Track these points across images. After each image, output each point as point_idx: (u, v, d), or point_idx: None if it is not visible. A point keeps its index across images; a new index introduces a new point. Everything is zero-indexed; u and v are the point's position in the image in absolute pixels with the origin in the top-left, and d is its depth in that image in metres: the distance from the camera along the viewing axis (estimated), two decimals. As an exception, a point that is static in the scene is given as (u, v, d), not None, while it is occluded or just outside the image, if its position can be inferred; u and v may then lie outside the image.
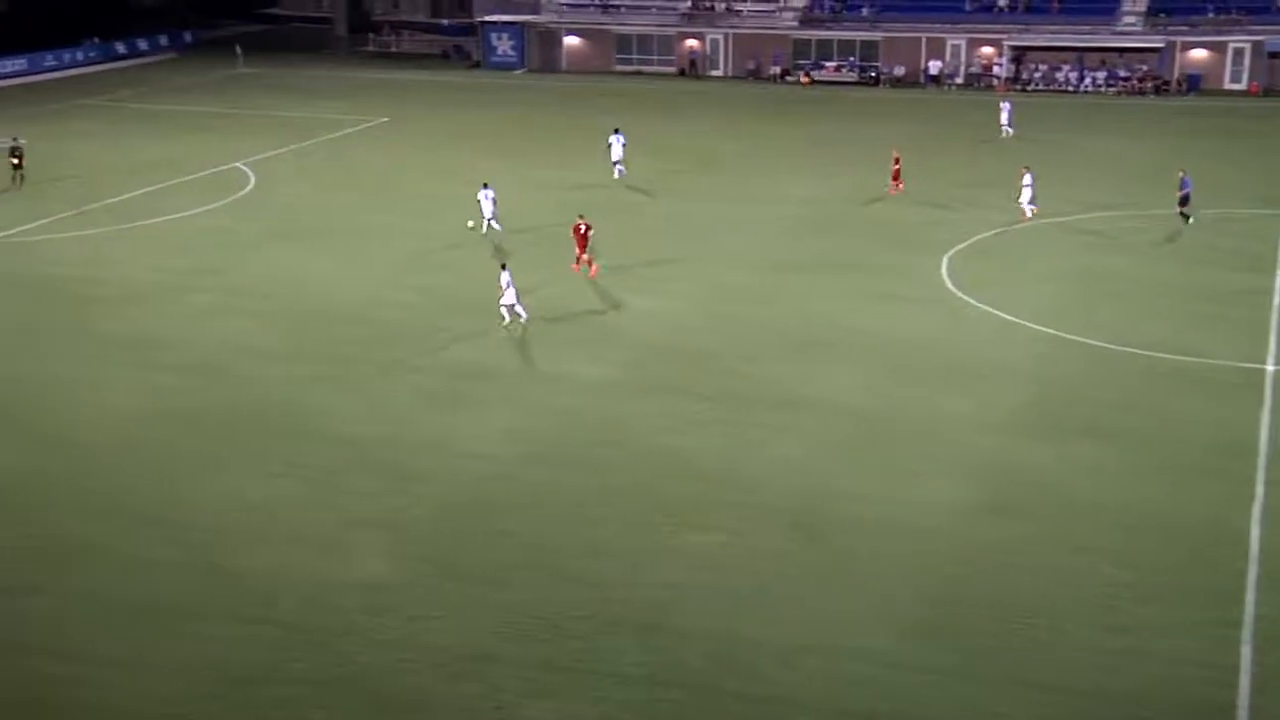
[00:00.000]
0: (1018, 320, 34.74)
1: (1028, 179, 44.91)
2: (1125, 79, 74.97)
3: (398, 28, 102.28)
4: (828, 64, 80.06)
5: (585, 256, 38.97)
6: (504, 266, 34.42)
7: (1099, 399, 29.67)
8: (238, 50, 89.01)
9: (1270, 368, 31.28)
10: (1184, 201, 43.74)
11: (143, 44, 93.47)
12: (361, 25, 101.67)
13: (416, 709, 18.85)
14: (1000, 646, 20.32)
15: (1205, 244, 41.92)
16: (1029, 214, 44.70)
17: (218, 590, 21.90)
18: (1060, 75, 76.62)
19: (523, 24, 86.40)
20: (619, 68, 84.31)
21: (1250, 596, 21.56)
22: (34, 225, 45.14)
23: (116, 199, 48.92)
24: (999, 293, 36.99)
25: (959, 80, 78.49)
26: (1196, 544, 23.27)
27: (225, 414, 29.11)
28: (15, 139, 53.05)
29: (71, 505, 24.84)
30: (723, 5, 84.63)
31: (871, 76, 79.24)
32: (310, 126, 64.98)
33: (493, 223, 42.46)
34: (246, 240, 42.92)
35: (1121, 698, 19.06)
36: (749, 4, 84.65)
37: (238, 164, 55.40)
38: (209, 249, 41.96)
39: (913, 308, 36.10)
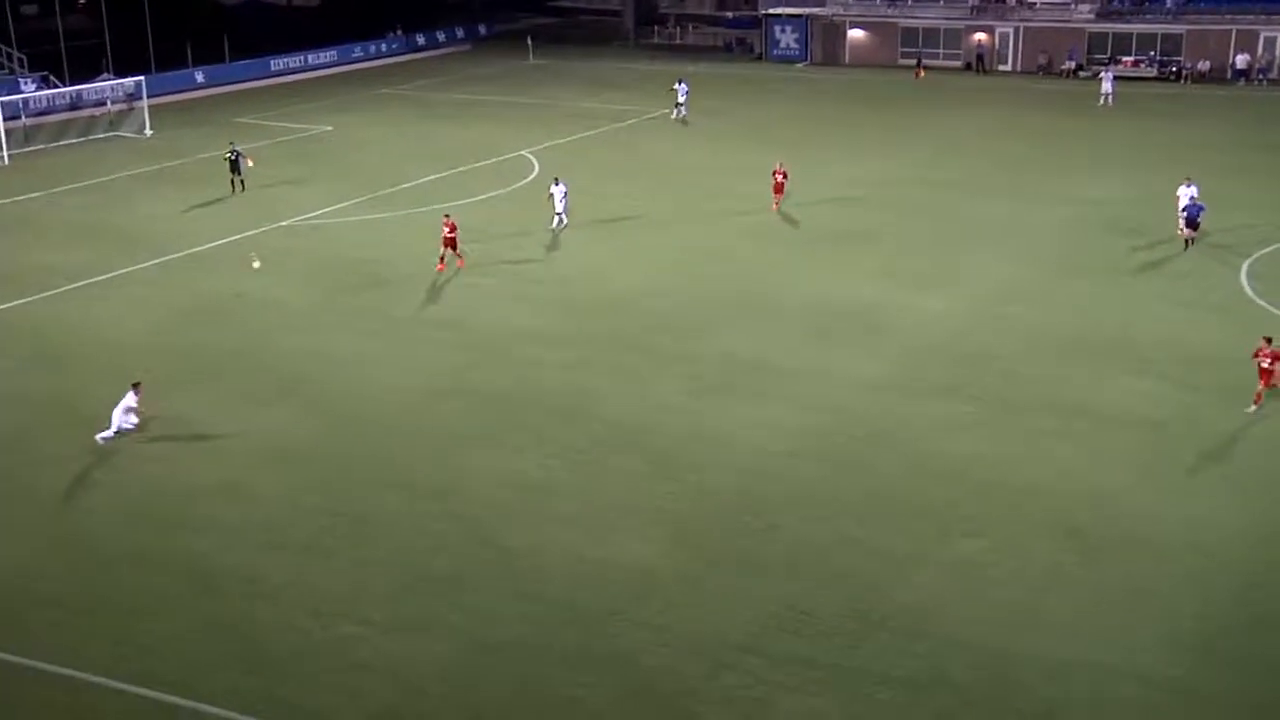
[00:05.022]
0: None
1: (1192, 191, 40.56)
2: None
3: (683, 21, 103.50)
4: (1125, 59, 76.68)
5: (778, 200, 45.58)
6: (135, 386, 27.56)
7: None
8: (529, 42, 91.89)
9: None
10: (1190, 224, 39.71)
11: (441, 36, 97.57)
12: (649, 18, 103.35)
13: (676, 695, 19.04)
14: (1293, 680, 19.10)
15: None
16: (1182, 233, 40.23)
17: (491, 564, 22.67)
18: (1389, 68, 71.36)
19: (807, 17, 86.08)
20: (904, 61, 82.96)
21: None
22: (336, 208, 47.73)
23: (411, 184, 51.23)
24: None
25: (1272, 75, 73.88)
26: None
27: (502, 395, 30.11)
28: (231, 143, 51.86)
29: (362, 476, 26.14)
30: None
31: (1172, 72, 75.47)
32: (595, 116, 66.45)
33: (562, 217, 43.30)
34: (528, 227, 44.14)
35: None
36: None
37: (524, 152, 57.16)
38: (493, 234, 43.39)
39: (1207, 315, 34.24)
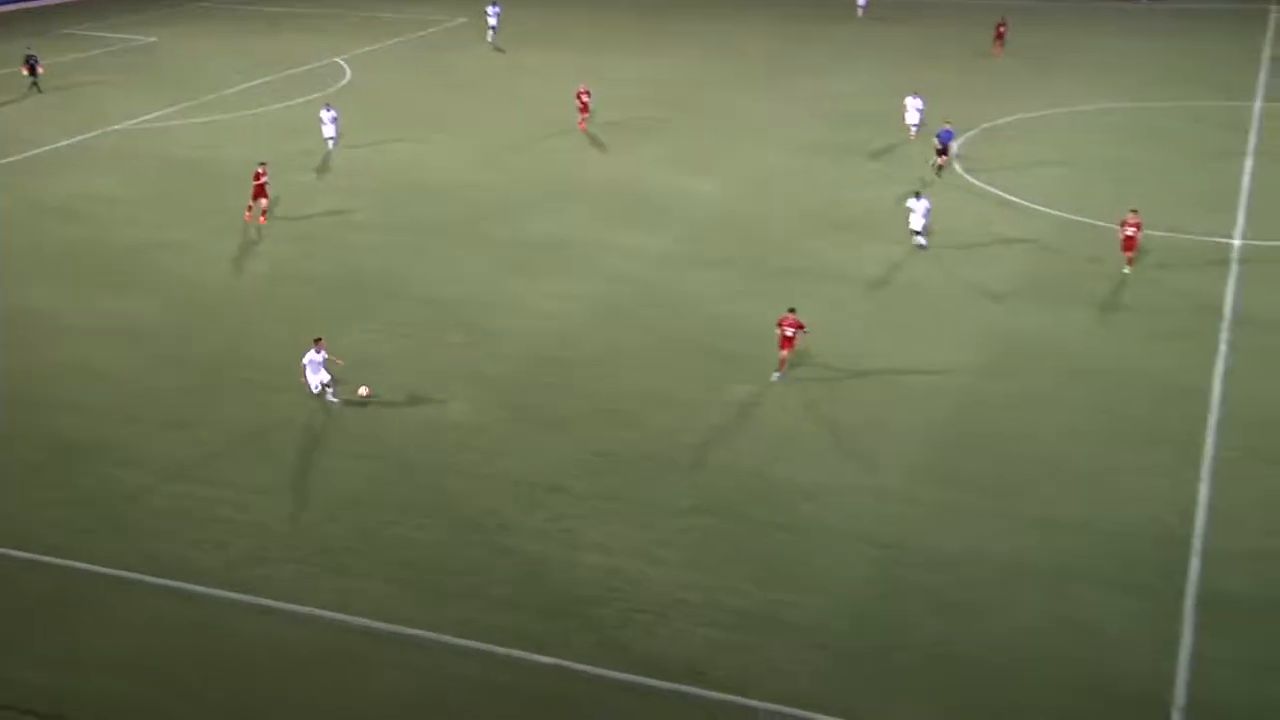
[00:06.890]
0: (1020, 201, 34.30)
1: (918, 103, 40.14)
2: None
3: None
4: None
5: (584, 119, 42.22)
6: (317, 342, 23.52)
7: (1093, 272, 29.42)
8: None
9: (1236, 242, 31.04)
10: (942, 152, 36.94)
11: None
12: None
13: (497, 530, 19.44)
14: (1002, 487, 20.55)
15: (1195, 133, 41.00)
16: (913, 134, 39.78)
17: (331, 428, 22.53)
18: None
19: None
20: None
21: (1210, 440, 21.71)
22: (163, 112, 45.29)
23: (232, 90, 48.88)
24: (1004, 176, 36.43)
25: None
26: (1167, 395, 23.35)
27: (333, 279, 29.52)
28: (29, 48, 49.47)
29: (208, 355, 25.43)
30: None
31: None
32: (400, 26, 64.19)
33: (334, 140, 39.56)
34: (343, 126, 42.57)
35: (1103, 532, 19.31)
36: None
37: (337, 59, 55.00)
38: (311, 134, 41.79)
39: (928, 190, 35.60)
